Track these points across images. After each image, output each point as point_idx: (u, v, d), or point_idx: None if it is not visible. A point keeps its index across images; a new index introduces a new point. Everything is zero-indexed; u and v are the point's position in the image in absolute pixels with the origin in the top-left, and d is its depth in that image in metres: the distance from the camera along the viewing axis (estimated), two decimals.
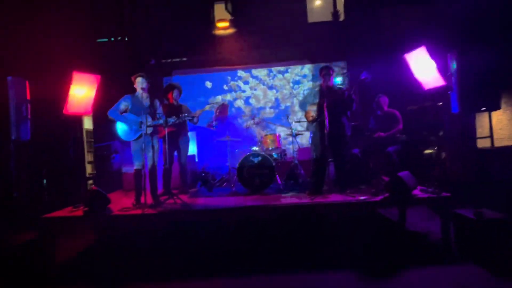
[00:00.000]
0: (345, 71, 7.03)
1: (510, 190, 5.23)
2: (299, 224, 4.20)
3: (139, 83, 4.18)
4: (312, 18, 7.03)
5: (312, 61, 7.16)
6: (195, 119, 4.61)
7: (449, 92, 3.59)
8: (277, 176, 4.86)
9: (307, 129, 4.45)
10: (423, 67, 4.42)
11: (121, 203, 4.28)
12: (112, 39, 6.57)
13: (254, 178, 4.64)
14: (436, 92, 4.49)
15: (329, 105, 4.07)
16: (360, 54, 6.50)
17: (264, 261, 3.45)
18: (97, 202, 3.71)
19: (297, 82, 7.28)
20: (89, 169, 5.77)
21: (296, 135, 5.58)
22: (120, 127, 4.17)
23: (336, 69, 7.15)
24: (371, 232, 4.18)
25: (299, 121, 5.98)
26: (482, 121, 6.56)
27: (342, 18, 6.86)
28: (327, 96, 4.16)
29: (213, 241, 4.00)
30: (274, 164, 4.69)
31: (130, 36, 6.67)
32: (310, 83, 7.22)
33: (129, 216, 3.77)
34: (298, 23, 6.78)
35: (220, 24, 6.82)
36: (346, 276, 3.01)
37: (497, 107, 3.37)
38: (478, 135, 5.93)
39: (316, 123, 4.21)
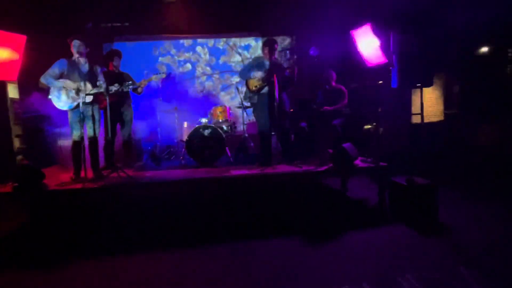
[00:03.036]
0: (293, 45, 7.09)
1: (436, 159, 5.87)
2: (249, 195, 4.28)
3: (75, 46, 3.78)
4: None
5: (262, 34, 7.08)
6: (139, 89, 4.35)
7: (390, 68, 3.81)
8: (227, 148, 4.84)
9: (247, 99, 4.43)
10: (368, 44, 4.63)
11: (58, 178, 3.95)
12: None
13: (203, 150, 4.57)
14: (378, 70, 4.75)
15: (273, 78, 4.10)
16: (309, 29, 6.58)
17: (212, 232, 3.48)
18: (28, 177, 3.38)
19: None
20: (17, 143, 5.20)
21: (245, 108, 5.56)
22: (55, 95, 3.77)
23: (285, 43, 7.19)
24: (317, 200, 4.42)
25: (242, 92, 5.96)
26: (414, 100, 7.17)
27: None
28: (273, 69, 4.17)
29: (160, 215, 3.92)
30: (224, 137, 4.66)
31: None
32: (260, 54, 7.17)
33: (67, 191, 3.51)
34: None
35: None
36: (293, 242, 3.16)
37: (430, 84, 3.66)
38: (411, 112, 6.49)
39: (260, 95, 4.23)
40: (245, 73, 4.35)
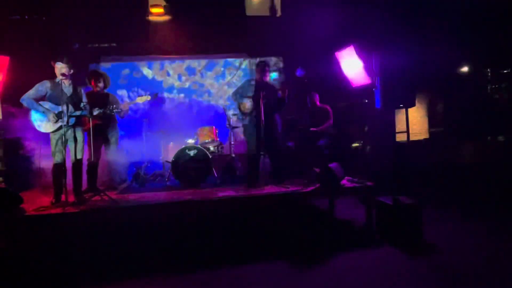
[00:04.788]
0: (281, 66, 7.20)
1: (421, 177, 5.92)
2: (235, 217, 4.20)
3: (59, 68, 3.74)
4: (250, 11, 7.03)
5: (249, 55, 7.18)
6: (121, 113, 4.29)
7: (373, 89, 3.88)
8: (214, 169, 4.79)
9: (241, 120, 4.44)
10: (352, 65, 4.72)
11: (38, 202, 3.82)
12: (27, 16, 5.78)
13: (189, 171, 4.51)
14: (363, 90, 4.84)
15: (265, 100, 4.13)
16: (296, 51, 6.70)
17: (199, 257, 3.38)
18: (4, 202, 3.25)
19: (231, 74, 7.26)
20: None
21: (233, 128, 5.56)
22: (36, 117, 3.70)
23: (272, 63, 7.29)
24: (304, 221, 4.36)
25: (235, 114, 5.97)
26: (400, 118, 7.29)
27: (279, 14, 6.98)
28: (261, 91, 4.21)
29: (144, 240, 3.80)
30: (210, 157, 4.62)
31: (49, 15, 5.93)
32: (241, 73, 7.23)
33: (46, 216, 3.39)
34: (236, 15, 6.72)
35: (154, 10, 6.42)
36: (280, 266, 3.09)
37: (412, 104, 3.74)
38: (397, 130, 6.59)
39: (251, 117, 4.24)
40: (237, 96, 4.38)
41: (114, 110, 3.85)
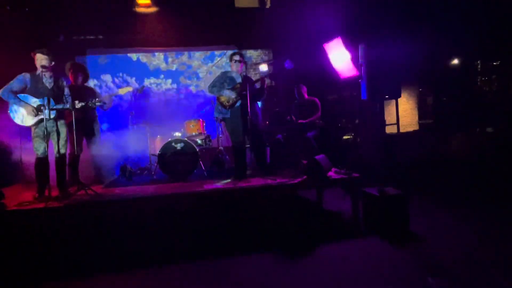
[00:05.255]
0: (270, 58, 7.15)
1: (410, 169, 5.96)
2: (223, 209, 4.18)
3: (39, 60, 3.65)
4: (239, 3, 6.93)
5: (238, 47, 7.10)
6: (105, 106, 4.20)
7: (359, 81, 3.86)
8: (201, 162, 4.76)
9: (219, 114, 4.32)
10: (339, 57, 4.69)
11: (20, 197, 3.76)
12: (8, 7, 5.63)
13: (176, 165, 4.47)
14: (351, 81, 4.82)
15: (245, 91, 4.08)
16: (285, 43, 6.65)
17: (186, 249, 3.37)
18: None
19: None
20: None
21: (221, 121, 5.50)
22: (15, 110, 3.62)
23: (261, 56, 7.23)
24: (292, 213, 4.36)
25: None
26: (390, 110, 7.32)
27: (268, 5, 6.90)
28: (246, 82, 4.16)
29: (129, 234, 3.76)
30: (197, 150, 4.58)
31: (32, 6, 5.78)
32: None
33: (28, 211, 3.33)
34: (225, 6, 6.63)
35: (141, 1, 6.30)
36: (267, 258, 3.08)
37: (398, 96, 3.73)
38: (387, 122, 6.60)
39: (233, 109, 4.19)
40: (215, 89, 4.28)
41: (97, 103, 3.77)
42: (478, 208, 4.21)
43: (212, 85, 4.30)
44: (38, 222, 3.39)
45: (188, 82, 6.97)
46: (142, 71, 6.76)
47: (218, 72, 6.57)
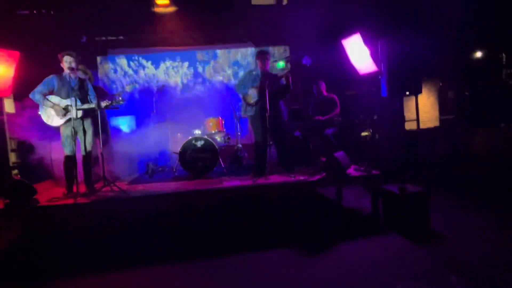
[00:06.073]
0: (287, 55, 7.14)
1: (431, 166, 5.86)
2: (243, 206, 4.26)
3: (66, 62, 3.80)
4: (255, 0, 6.97)
5: (255, 44, 7.14)
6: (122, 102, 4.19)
7: (379, 77, 3.83)
8: (221, 159, 4.84)
9: (245, 112, 4.42)
10: (358, 53, 4.65)
11: (50, 193, 3.95)
12: (35, 11, 5.86)
13: (196, 162, 4.57)
14: (370, 78, 4.78)
15: (269, 89, 4.11)
16: (302, 39, 6.63)
17: (206, 245, 3.46)
18: (19, 193, 3.37)
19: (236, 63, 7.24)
20: (13, 157, 5.21)
21: (239, 119, 5.57)
22: (44, 111, 3.79)
23: (278, 53, 7.24)
24: (311, 210, 4.40)
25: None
26: (410, 106, 7.19)
27: (285, 2, 6.90)
28: (264, 80, 4.19)
29: (155, 229, 3.90)
30: (217, 148, 4.66)
31: (57, 9, 6.01)
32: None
33: (59, 206, 3.50)
34: (242, 4, 6.67)
35: (159, 1, 6.43)
36: (287, 254, 3.13)
37: (418, 91, 3.68)
38: (406, 118, 6.50)
39: (256, 107, 4.24)
40: (241, 88, 4.38)
41: (121, 102, 3.88)
42: (502, 206, 4.11)
43: (238, 84, 4.41)
44: (67, 217, 3.57)
45: (205, 58, 7.04)
46: (158, 54, 6.88)
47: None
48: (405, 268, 2.71)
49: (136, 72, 6.90)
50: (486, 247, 3.03)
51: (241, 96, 4.40)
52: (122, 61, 6.94)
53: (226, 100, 5.75)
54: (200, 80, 7.13)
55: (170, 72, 7.07)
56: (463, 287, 2.37)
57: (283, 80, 4.23)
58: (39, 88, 3.77)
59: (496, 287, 2.37)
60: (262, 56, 4.29)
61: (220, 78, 7.17)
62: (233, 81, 7.13)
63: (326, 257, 3.04)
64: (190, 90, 7.08)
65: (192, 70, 7.12)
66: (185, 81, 7.09)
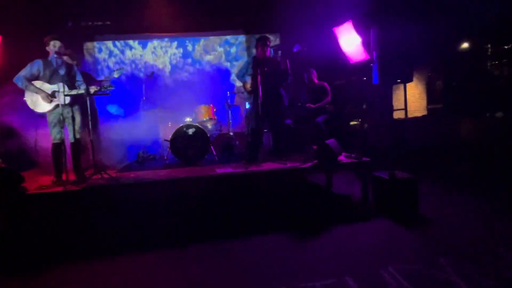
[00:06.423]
0: (278, 43, 7.10)
1: (419, 154, 5.98)
2: (235, 193, 4.27)
3: (53, 46, 3.69)
4: None
5: (246, 31, 7.07)
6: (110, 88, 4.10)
7: (371, 64, 3.85)
8: (212, 147, 4.82)
9: (246, 99, 4.45)
10: (350, 41, 4.67)
11: (39, 181, 3.88)
12: None
13: (188, 150, 4.54)
14: (361, 66, 4.80)
15: (267, 75, 4.10)
16: (294, 27, 6.59)
17: (197, 232, 3.47)
18: (6, 181, 3.29)
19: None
20: None
21: (230, 106, 5.55)
22: (29, 97, 3.68)
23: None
24: (302, 196, 4.44)
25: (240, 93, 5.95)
26: (398, 95, 7.29)
27: None
28: (262, 67, 4.17)
29: (144, 216, 3.88)
30: (208, 136, 4.63)
31: None
32: (244, 52, 7.16)
33: (48, 194, 3.44)
34: None
35: None
36: (277, 238, 3.17)
37: (409, 80, 3.71)
38: (394, 107, 6.59)
39: (254, 94, 4.23)
40: (241, 75, 4.38)
41: (109, 88, 3.79)
42: (488, 192, 4.25)
43: (239, 71, 4.41)
44: (57, 205, 3.51)
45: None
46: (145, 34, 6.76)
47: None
48: (396, 250, 2.78)
49: (123, 52, 6.74)
50: (470, 229, 3.14)
51: (241, 84, 4.37)
52: (108, 42, 6.77)
53: (217, 86, 5.71)
54: (189, 60, 7.01)
55: (158, 52, 6.92)
56: (450, 267, 2.45)
57: (282, 65, 4.23)
58: (23, 72, 3.65)
59: (481, 267, 2.46)
60: (262, 43, 4.26)
61: (211, 57, 7.06)
62: (225, 63, 7.06)
63: (317, 241, 3.09)
64: (179, 72, 6.96)
65: (181, 50, 6.98)
66: (174, 61, 6.96)
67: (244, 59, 6.98)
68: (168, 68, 6.93)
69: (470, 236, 2.99)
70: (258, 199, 4.26)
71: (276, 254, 2.86)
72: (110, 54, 6.75)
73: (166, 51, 6.94)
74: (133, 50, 6.82)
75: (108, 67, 6.71)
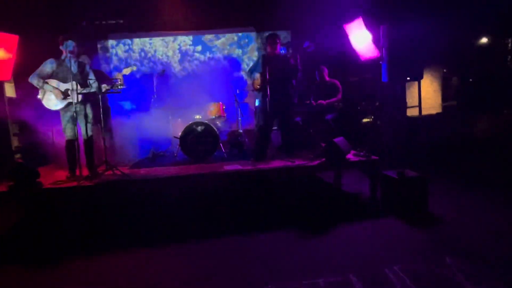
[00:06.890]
0: (288, 40, 7.07)
1: (433, 152, 5.87)
2: (243, 190, 4.30)
3: (66, 45, 3.78)
4: None
5: (257, 29, 7.07)
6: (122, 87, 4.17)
7: (380, 62, 3.81)
8: (221, 144, 4.87)
9: (257, 97, 4.47)
10: (360, 38, 4.62)
11: (54, 176, 4.00)
12: None
13: (197, 147, 4.60)
14: (372, 63, 4.74)
15: (276, 73, 4.11)
16: (304, 24, 6.54)
17: (206, 228, 3.52)
18: (22, 176, 3.42)
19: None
20: (15, 141, 5.25)
21: (239, 103, 5.57)
22: (43, 95, 3.80)
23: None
24: (311, 194, 4.44)
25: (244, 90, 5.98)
26: (412, 92, 7.14)
27: None
28: (271, 64, 4.17)
29: (155, 212, 3.96)
30: (217, 133, 4.68)
31: None
32: (255, 52, 7.17)
33: (62, 189, 3.56)
34: None
35: None
36: (285, 235, 3.19)
37: (419, 77, 3.66)
38: (409, 105, 6.48)
39: (262, 92, 4.24)
40: (251, 73, 4.42)
41: (120, 86, 3.88)
42: (504, 192, 4.14)
43: (250, 70, 4.46)
44: (70, 199, 3.63)
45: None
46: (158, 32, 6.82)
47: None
48: (402, 250, 2.76)
49: (135, 50, 6.82)
50: (482, 230, 3.07)
51: (250, 82, 4.39)
52: (121, 41, 6.88)
53: (227, 83, 5.74)
54: (200, 58, 7.05)
55: (169, 49, 6.98)
56: (457, 267, 2.42)
57: (292, 60, 4.22)
58: (38, 71, 3.77)
59: (488, 267, 2.42)
60: (271, 40, 4.28)
61: (222, 55, 7.06)
62: (235, 60, 7.09)
63: (324, 238, 3.10)
64: (189, 69, 7.00)
65: (192, 47, 7.03)
66: (184, 59, 7.02)
67: (254, 57, 6.99)
68: (178, 66, 7.01)
69: (479, 236, 2.93)
70: (266, 196, 4.29)
71: (283, 251, 2.88)
72: (123, 52, 6.87)
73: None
74: (145, 48, 6.92)
75: (120, 64, 6.84)
